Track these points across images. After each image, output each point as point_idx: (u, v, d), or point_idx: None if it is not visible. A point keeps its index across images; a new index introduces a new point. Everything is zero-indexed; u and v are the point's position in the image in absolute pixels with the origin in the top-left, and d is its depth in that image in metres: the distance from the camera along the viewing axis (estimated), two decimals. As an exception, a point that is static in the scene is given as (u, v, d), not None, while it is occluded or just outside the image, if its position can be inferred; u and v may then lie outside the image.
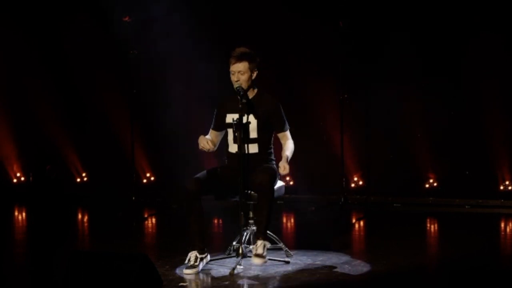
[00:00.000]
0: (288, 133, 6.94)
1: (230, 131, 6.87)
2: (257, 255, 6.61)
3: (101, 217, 9.97)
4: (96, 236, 8.84)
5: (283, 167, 6.68)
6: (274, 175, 6.78)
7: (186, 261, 6.68)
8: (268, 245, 6.71)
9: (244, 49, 6.80)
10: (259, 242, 6.64)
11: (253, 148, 6.80)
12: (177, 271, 6.69)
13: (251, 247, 6.91)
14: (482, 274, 5.67)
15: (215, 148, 6.96)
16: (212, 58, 9.79)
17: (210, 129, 7.03)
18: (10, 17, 11.14)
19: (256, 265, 6.64)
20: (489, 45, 9.60)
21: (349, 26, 9.85)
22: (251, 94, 6.85)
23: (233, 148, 6.88)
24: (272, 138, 6.93)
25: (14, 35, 11.13)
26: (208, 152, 6.91)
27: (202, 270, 6.67)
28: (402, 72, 9.96)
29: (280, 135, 6.93)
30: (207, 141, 6.79)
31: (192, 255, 6.69)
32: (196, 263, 6.66)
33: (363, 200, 10.18)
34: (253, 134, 6.80)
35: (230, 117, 6.79)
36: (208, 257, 6.80)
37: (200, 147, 6.82)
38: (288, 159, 6.77)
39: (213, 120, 7.03)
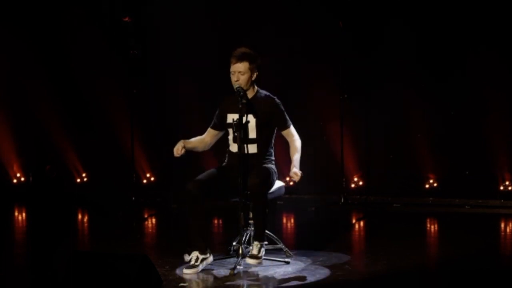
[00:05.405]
0: (292, 129, 6.86)
1: (231, 131, 6.84)
2: (251, 256, 6.59)
3: (101, 217, 9.96)
4: (96, 236, 8.84)
5: (295, 174, 6.68)
6: (268, 177, 6.72)
7: (187, 260, 6.65)
8: (264, 247, 6.68)
9: (245, 49, 6.74)
10: (254, 243, 6.64)
11: (252, 148, 6.76)
12: (177, 271, 6.68)
13: (250, 247, 6.92)
14: (482, 274, 5.66)
15: (201, 148, 6.91)
16: (212, 58, 9.80)
17: (209, 128, 7.00)
18: (10, 18, 11.13)
19: (250, 265, 6.60)
20: (490, 46, 9.60)
21: (350, 26, 9.84)
22: (250, 93, 6.80)
23: (233, 147, 6.86)
24: (273, 139, 6.90)
25: (15, 35, 11.12)
26: (204, 153, 6.87)
27: (202, 270, 6.67)
28: (402, 72, 9.95)
29: (284, 133, 6.86)
30: (181, 147, 6.72)
31: (194, 255, 6.66)
32: (197, 263, 6.64)
33: (363, 200, 10.18)
34: (252, 134, 6.76)
35: (231, 117, 6.76)
36: (211, 258, 6.75)
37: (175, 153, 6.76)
38: (298, 162, 6.75)
39: (213, 119, 7.00)
